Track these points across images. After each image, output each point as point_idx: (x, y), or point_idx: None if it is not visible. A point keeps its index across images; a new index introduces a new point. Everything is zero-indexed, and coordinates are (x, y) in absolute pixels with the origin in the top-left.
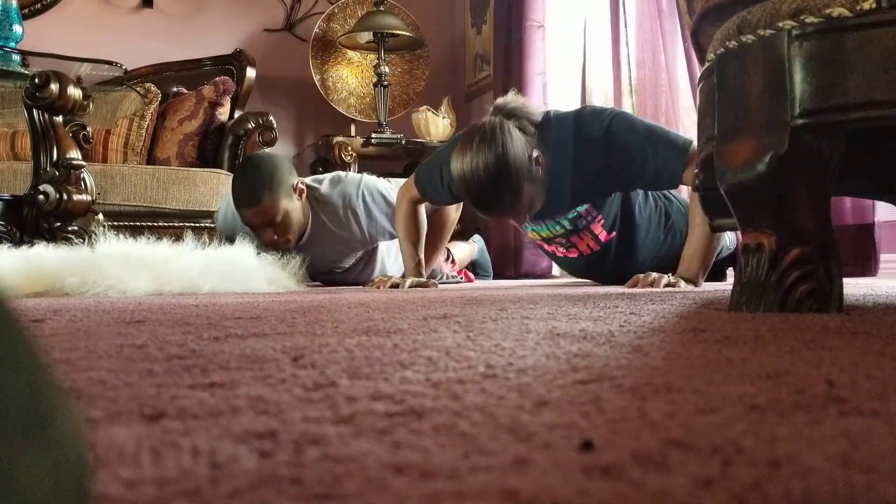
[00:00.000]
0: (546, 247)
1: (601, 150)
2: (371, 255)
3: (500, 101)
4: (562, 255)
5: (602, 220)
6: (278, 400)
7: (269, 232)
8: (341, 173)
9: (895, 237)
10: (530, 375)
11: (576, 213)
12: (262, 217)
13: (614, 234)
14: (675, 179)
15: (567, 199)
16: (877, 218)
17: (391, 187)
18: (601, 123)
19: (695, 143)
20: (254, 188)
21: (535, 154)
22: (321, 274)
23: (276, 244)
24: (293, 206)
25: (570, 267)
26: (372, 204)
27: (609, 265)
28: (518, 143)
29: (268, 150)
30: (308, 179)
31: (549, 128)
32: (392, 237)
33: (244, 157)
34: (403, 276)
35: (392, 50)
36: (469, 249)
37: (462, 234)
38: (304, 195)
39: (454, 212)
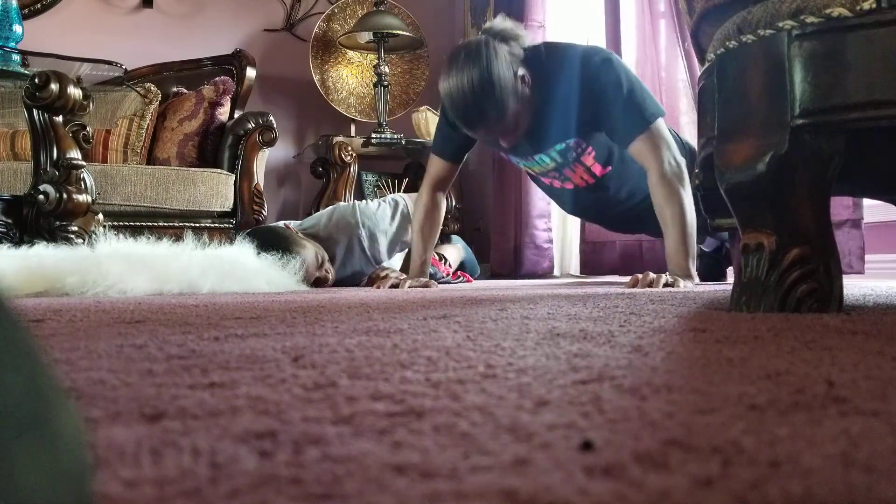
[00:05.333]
0: (543, 180)
1: (583, 88)
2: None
3: (488, 23)
4: (559, 186)
5: (593, 153)
6: (278, 400)
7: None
8: (335, 207)
9: (888, 238)
10: (530, 375)
11: (564, 146)
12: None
13: (610, 168)
14: (625, 142)
15: (553, 126)
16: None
17: (384, 205)
18: (593, 63)
19: (660, 120)
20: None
21: (520, 72)
22: None
23: (327, 281)
24: (308, 254)
25: (570, 203)
26: (374, 227)
27: (609, 201)
28: (503, 59)
29: (268, 150)
30: (306, 222)
31: (539, 54)
32: (389, 251)
33: (254, 234)
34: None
35: (392, 50)
36: (456, 252)
37: (445, 237)
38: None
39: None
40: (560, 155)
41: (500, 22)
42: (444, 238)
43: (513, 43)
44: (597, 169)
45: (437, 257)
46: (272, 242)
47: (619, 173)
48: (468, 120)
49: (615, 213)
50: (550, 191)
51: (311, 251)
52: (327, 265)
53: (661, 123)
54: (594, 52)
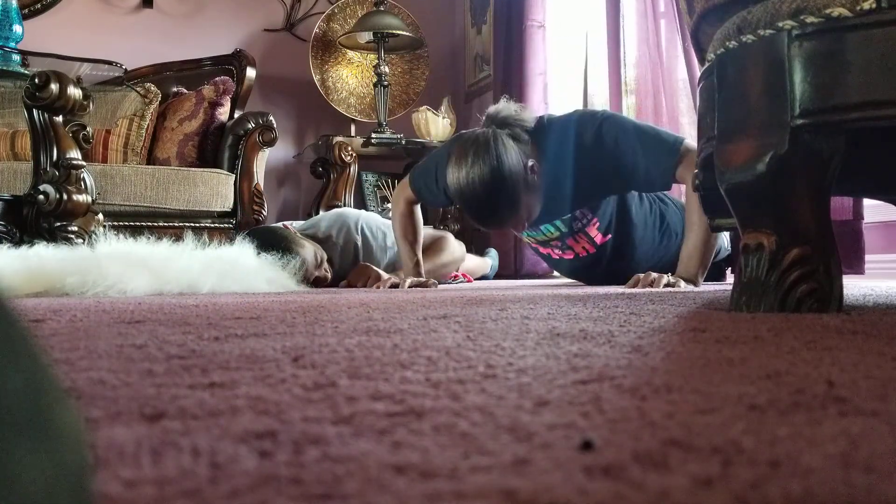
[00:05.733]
0: (542, 249)
1: (593, 154)
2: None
3: (492, 109)
4: (557, 256)
5: (597, 223)
6: (278, 400)
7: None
8: (338, 211)
9: (888, 238)
10: (530, 375)
11: (570, 216)
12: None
13: (610, 236)
14: (668, 178)
15: (562, 203)
16: (865, 216)
17: (389, 224)
18: (592, 127)
19: (687, 140)
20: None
21: (530, 163)
22: None
23: (327, 279)
24: (307, 253)
25: (566, 270)
26: (371, 239)
27: (605, 268)
28: (512, 153)
29: (268, 150)
30: (309, 222)
31: (543, 134)
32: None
33: (253, 234)
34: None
35: (392, 50)
36: (478, 263)
37: (480, 251)
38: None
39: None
40: (565, 224)
41: (504, 107)
42: (481, 252)
43: (517, 129)
44: (598, 238)
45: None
46: (272, 242)
47: (617, 241)
48: (481, 218)
49: (605, 274)
50: (548, 259)
51: (310, 251)
52: (326, 265)
53: (688, 143)
54: (592, 116)
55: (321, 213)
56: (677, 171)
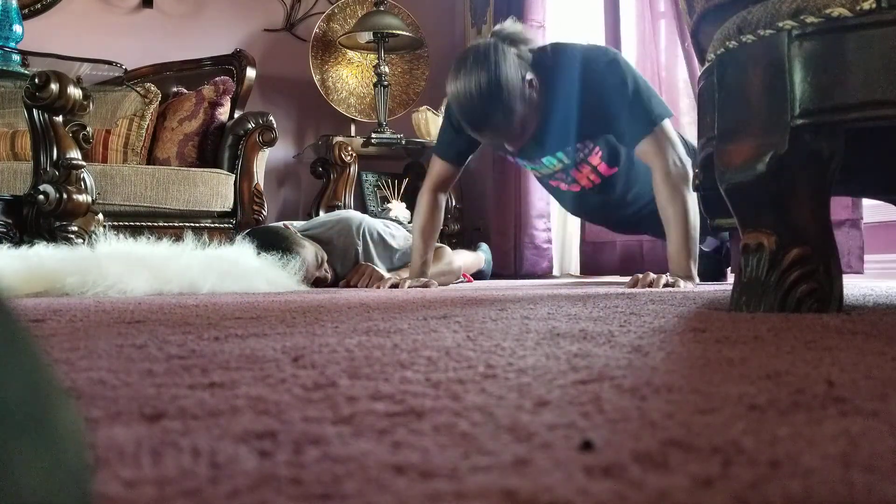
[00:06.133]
0: (550, 182)
1: (591, 89)
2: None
3: (497, 26)
4: (565, 188)
5: (599, 152)
6: (278, 400)
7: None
8: (341, 213)
9: (888, 238)
10: (530, 375)
11: (570, 147)
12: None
13: (616, 168)
14: (631, 144)
15: (562, 134)
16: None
17: (390, 231)
18: (599, 64)
19: (667, 123)
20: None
21: (528, 76)
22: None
23: (327, 279)
24: (308, 253)
25: (578, 206)
26: (371, 245)
27: (615, 202)
28: (511, 63)
29: (268, 150)
30: (310, 223)
31: (549, 60)
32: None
33: (254, 234)
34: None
35: (392, 50)
36: (473, 258)
37: (472, 245)
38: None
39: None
40: (566, 156)
41: (510, 25)
42: (472, 245)
43: (521, 46)
44: (603, 168)
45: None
46: (272, 242)
47: (626, 174)
48: (475, 123)
49: (620, 215)
50: (556, 193)
51: (310, 251)
52: (326, 266)
53: (667, 124)
54: (600, 54)
55: (321, 214)
56: (641, 143)
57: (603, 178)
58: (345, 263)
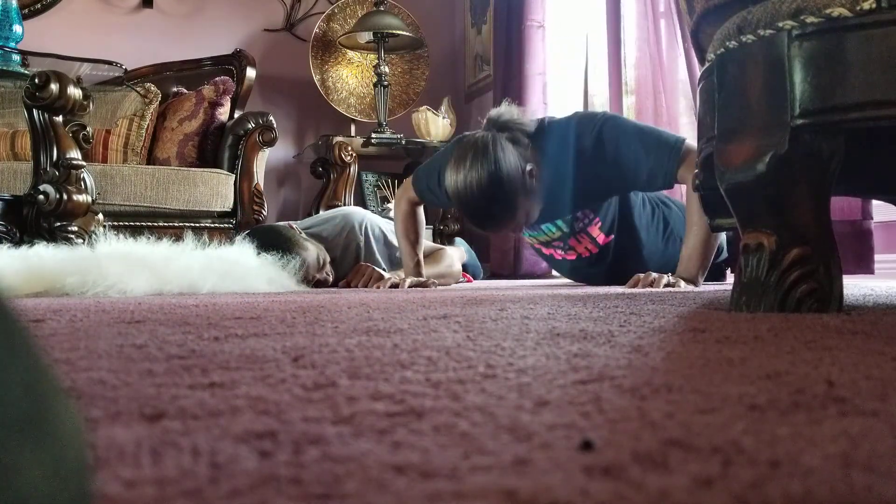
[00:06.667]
0: (544, 250)
1: (594, 157)
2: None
3: (493, 112)
4: (560, 257)
5: (599, 223)
6: (278, 400)
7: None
8: (344, 210)
9: (894, 237)
10: (530, 375)
11: (572, 216)
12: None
13: (613, 237)
14: (670, 179)
15: (563, 204)
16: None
17: (392, 228)
18: (593, 129)
19: (688, 141)
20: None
21: (528, 167)
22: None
23: (328, 281)
24: (310, 255)
25: (569, 271)
26: (373, 241)
27: (608, 269)
28: (511, 157)
29: (268, 150)
30: (313, 220)
31: (544, 137)
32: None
33: (256, 233)
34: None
35: (392, 50)
36: (458, 254)
37: (449, 239)
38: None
39: (457, 262)
40: (566, 224)
41: (506, 111)
42: (447, 240)
43: (517, 133)
44: (601, 239)
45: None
46: (274, 242)
47: (620, 242)
48: (478, 221)
49: (608, 278)
50: (551, 260)
51: (312, 252)
52: (328, 267)
53: (689, 143)
54: (592, 118)
55: (322, 212)
56: (679, 171)
57: (600, 247)
58: (346, 259)
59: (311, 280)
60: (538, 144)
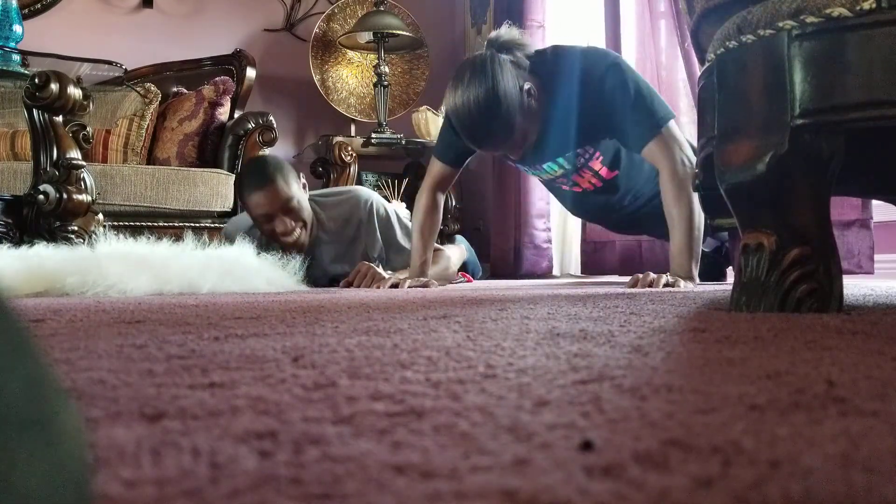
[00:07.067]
0: (553, 183)
1: (592, 93)
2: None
3: (493, 34)
4: (566, 189)
5: (600, 157)
6: (278, 400)
7: (283, 221)
8: (355, 187)
9: (893, 237)
10: (530, 375)
11: (572, 152)
12: (275, 199)
13: (617, 172)
14: (637, 147)
15: (563, 140)
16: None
17: (398, 214)
18: (599, 68)
19: (672, 123)
20: (263, 172)
21: (526, 86)
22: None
23: (291, 235)
24: (302, 196)
25: (579, 206)
26: (376, 219)
27: (615, 202)
28: (509, 75)
29: (268, 150)
30: (321, 191)
31: (546, 62)
32: (382, 257)
33: (247, 161)
34: (390, 270)
35: (392, 50)
36: (459, 252)
37: (449, 237)
38: (306, 190)
39: (455, 261)
40: (568, 161)
41: (506, 32)
42: (448, 239)
43: (518, 53)
44: (604, 173)
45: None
46: (261, 170)
47: (627, 176)
48: (475, 138)
49: (620, 215)
50: (557, 192)
51: (304, 199)
52: (304, 232)
53: (672, 125)
54: (601, 57)
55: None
56: (648, 145)
57: (604, 181)
58: (345, 233)
59: (288, 231)
60: (542, 71)
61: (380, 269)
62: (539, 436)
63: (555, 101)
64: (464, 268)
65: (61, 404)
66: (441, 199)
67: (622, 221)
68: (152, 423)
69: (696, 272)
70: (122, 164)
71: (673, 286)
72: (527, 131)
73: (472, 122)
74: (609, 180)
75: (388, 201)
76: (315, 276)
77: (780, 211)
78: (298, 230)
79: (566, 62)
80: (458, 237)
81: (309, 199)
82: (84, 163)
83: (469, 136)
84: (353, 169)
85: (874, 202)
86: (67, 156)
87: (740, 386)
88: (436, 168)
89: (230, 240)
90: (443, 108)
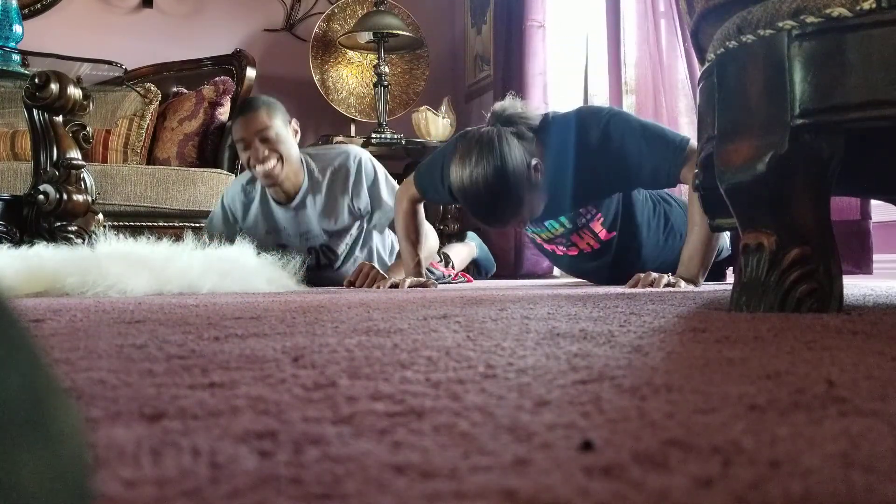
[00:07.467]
0: (546, 246)
1: (599, 152)
2: (364, 243)
3: (497, 106)
4: (562, 252)
5: (601, 219)
6: (278, 400)
7: (257, 148)
8: (346, 145)
9: (893, 237)
10: (530, 375)
11: (575, 213)
12: (251, 125)
13: (615, 233)
14: (673, 178)
15: (566, 201)
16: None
17: (386, 173)
18: (598, 125)
19: (692, 140)
20: (251, 103)
21: (533, 162)
22: (318, 266)
23: (264, 164)
24: (287, 135)
25: (570, 266)
26: (364, 176)
27: (610, 266)
28: (516, 152)
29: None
30: (311, 146)
31: (548, 131)
32: (367, 214)
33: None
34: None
35: (392, 50)
36: (467, 250)
37: (459, 235)
38: (297, 136)
39: (433, 242)
40: (569, 220)
41: (510, 104)
42: (457, 236)
43: (522, 127)
44: (603, 234)
45: (438, 257)
46: (251, 104)
47: (622, 238)
48: (483, 217)
49: (610, 273)
50: (552, 256)
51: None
52: (277, 166)
53: (692, 143)
54: (596, 114)
55: None
56: (682, 170)
57: (602, 243)
58: (333, 190)
59: (259, 159)
60: (542, 139)
61: (380, 269)
62: (539, 436)
63: (560, 167)
64: (473, 265)
65: (61, 404)
66: (419, 206)
67: (611, 279)
68: (152, 423)
69: (701, 279)
70: (122, 164)
71: (673, 286)
72: (533, 206)
73: (479, 201)
74: (606, 242)
75: None
76: (311, 245)
77: (780, 211)
78: (273, 161)
79: (564, 126)
80: (470, 234)
81: (303, 151)
82: (84, 163)
83: (476, 215)
84: None
85: (873, 202)
86: (67, 156)
87: (740, 386)
88: (414, 192)
89: (211, 235)
90: (443, 108)
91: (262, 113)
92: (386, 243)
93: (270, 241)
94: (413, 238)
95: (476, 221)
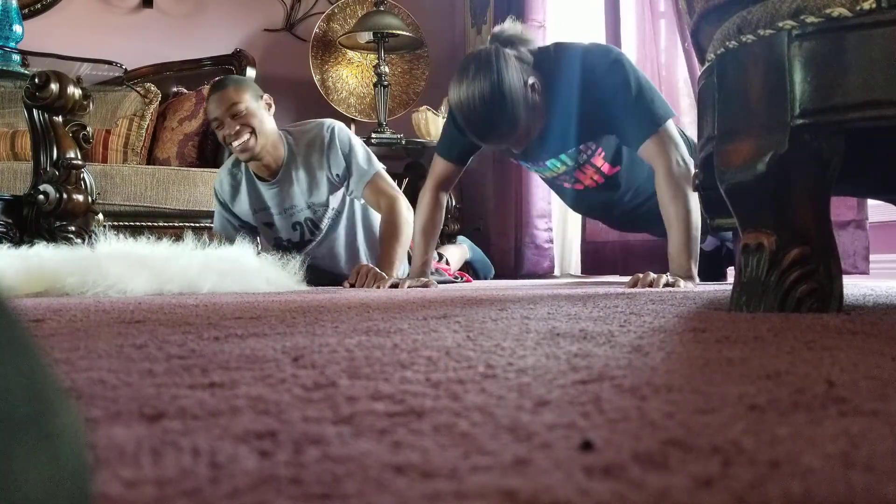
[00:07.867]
0: (554, 181)
1: (594, 90)
2: (348, 219)
3: (497, 28)
4: (568, 186)
5: (602, 153)
6: (278, 400)
7: (230, 125)
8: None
9: (891, 237)
10: (530, 375)
11: (574, 149)
12: (221, 103)
13: (619, 167)
14: (634, 145)
15: (566, 137)
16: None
17: (361, 141)
18: (603, 64)
19: (670, 123)
20: (220, 82)
21: (530, 81)
22: (302, 241)
23: (237, 139)
24: (258, 108)
25: (578, 201)
26: (336, 139)
27: (616, 201)
28: (513, 69)
29: None
30: (289, 124)
31: (549, 58)
32: (345, 181)
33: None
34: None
35: (392, 50)
36: (460, 252)
37: (452, 238)
38: (271, 109)
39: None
40: (570, 158)
41: (510, 26)
42: (448, 239)
43: (522, 48)
44: (606, 169)
45: (435, 257)
46: (215, 81)
47: (628, 173)
48: (480, 132)
49: (620, 212)
50: (559, 189)
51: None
52: (250, 139)
53: (670, 125)
54: (603, 54)
55: None
56: (645, 143)
57: (606, 177)
58: (313, 158)
59: (232, 134)
60: (545, 68)
61: (379, 269)
62: (539, 436)
63: (558, 97)
64: (470, 269)
65: (61, 404)
66: (444, 198)
67: (623, 218)
68: (152, 423)
69: (695, 271)
70: (122, 164)
71: (673, 286)
72: (531, 126)
73: (476, 115)
74: (611, 177)
75: None
76: (295, 220)
77: (780, 211)
78: (246, 135)
79: (569, 59)
80: (461, 237)
81: (281, 129)
82: (84, 163)
83: (473, 130)
84: None
85: (871, 202)
86: (67, 156)
87: (740, 386)
88: (439, 166)
89: (230, 239)
90: (443, 108)
91: (231, 90)
92: (371, 219)
93: (259, 221)
94: (428, 235)
95: (474, 140)
